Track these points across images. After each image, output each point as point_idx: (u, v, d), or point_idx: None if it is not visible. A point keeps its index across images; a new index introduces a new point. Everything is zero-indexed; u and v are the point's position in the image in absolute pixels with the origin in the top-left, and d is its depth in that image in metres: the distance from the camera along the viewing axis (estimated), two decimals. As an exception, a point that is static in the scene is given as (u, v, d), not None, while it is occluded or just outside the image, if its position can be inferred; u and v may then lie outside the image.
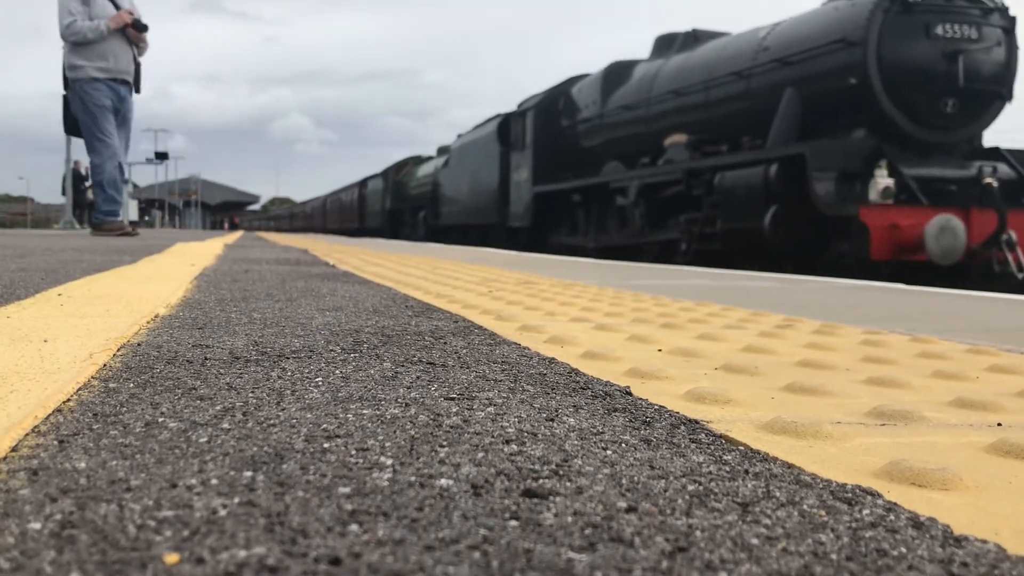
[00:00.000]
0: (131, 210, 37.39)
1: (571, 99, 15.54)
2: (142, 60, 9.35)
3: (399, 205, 28.55)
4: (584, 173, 14.44)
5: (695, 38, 12.91)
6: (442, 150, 25.92)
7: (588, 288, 3.67)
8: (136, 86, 9.35)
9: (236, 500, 0.72)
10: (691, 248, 10.61)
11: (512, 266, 5.85)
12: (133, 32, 9.01)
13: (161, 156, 46.14)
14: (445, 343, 1.77)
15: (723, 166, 10.23)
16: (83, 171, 25.21)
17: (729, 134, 10.97)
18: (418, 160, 28.81)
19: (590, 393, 1.26)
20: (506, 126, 17.41)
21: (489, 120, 19.04)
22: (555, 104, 15.87)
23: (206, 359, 1.48)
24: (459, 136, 21.89)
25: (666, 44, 13.56)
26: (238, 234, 20.07)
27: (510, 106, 18.37)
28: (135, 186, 50.62)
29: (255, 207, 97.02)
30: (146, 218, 47.41)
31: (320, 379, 1.31)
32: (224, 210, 77.73)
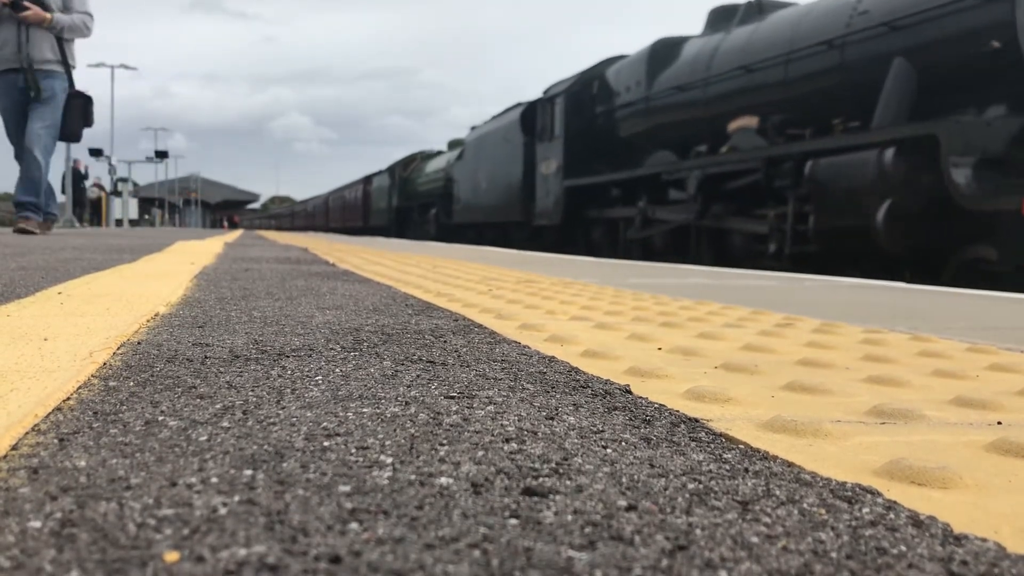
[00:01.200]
0: (131, 208, 37.38)
1: (607, 83, 13.92)
2: (67, 37, 8.35)
3: (406, 203, 27.19)
4: (622, 165, 12.94)
5: (759, 9, 11.04)
6: (454, 144, 24.65)
7: (588, 287, 3.67)
8: (67, 71, 8.39)
9: (236, 498, 0.72)
10: (785, 249, 8.77)
11: (512, 265, 5.85)
12: (21, 13, 7.99)
13: (161, 155, 46.14)
14: (445, 341, 1.77)
15: (817, 152, 8.42)
16: (82, 170, 25.16)
17: (816, 115, 9.21)
18: (426, 155, 27.40)
19: (590, 391, 1.26)
20: (531, 114, 15.82)
21: (509, 109, 17.52)
22: (588, 89, 14.24)
23: (206, 357, 1.48)
24: (472, 129, 20.42)
25: (724, 16, 11.71)
26: (238, 233, 20.07)
27: (510, 104, 17.64)
28: (135, 184, 50.59)
29: (255, 206, 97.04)
30: (146, 216, 47.39)
31: (320, 377, 1.31)
32: (224, 209, 77.72)
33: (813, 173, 8.36)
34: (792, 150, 8.98)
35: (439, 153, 26.07)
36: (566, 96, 14.36)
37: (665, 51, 12.44)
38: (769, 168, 9.23)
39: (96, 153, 34.85)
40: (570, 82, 14.53)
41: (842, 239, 8.13)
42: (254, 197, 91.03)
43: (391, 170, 29.29)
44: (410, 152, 29.38)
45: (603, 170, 13.38)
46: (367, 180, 33.93)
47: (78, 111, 8.82)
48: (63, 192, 23.74)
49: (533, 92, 18.23)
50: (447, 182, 21.99)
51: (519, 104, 16.87)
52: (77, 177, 24.51)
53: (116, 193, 34.47)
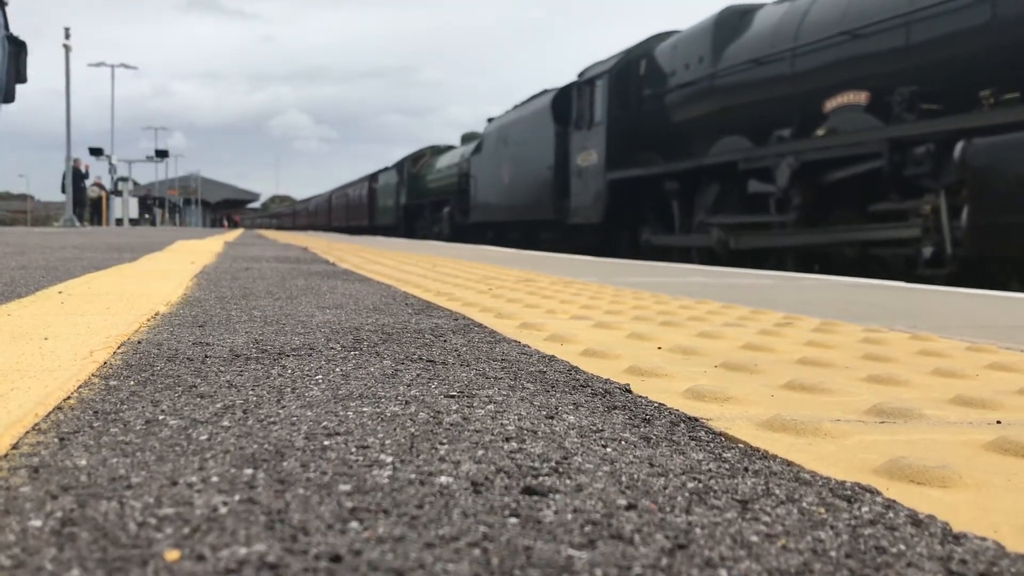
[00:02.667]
0: (131, 208, 37.36)
1: (656, 62, 11.94)
2: None
3: (416, 201, 25.26)
4: (675, 155, 11.15)
5: None
6: (468, 137, 23.00)
7: (588, 286, 3.67)
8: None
9: (236, 497, 0.72)
10: (947, 249, 6.86)
11: (512, 264, 5.85)
12: None
13: (161, 154, 46.08)
14: (445, 341, 1.77)
15: (971, 130, 6.66)
16: (83, 169, 25.11)
17: (955, 86, 7.35)
18: (437, 150, 25.65)
19: (590, 391, 1.26)
20: (563, 100, 13.99)
21: (536, 96, 15.73)
22: (634, 69, 12.26)
23: (206, 357, 1.48)
24: (489, 122, 18.61)
25: None
26: (238, 232, 20.06)
27: (509, 104, 16.67)
28: (135, 184, 50.56)
29: (255, 205, 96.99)
30: (146, 216, 47.37)
31: (320, 377, 1.31)
32: (224, 208, 77.68)
33: (969, 157, 6.53)
34: (939, 128, 6.97)
35: (450, 148, 24.51)
36: (609, 78, 12.35)
37: (734, 20, 10.47)
38: (895, 152, 7.34)
39: (96, 152, 34.83)
40: (613, 62, 12.53)
41: (1009, 239, 6.44)
42: (254, 196, 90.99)
43: (399, 166, 27.47)
44: (406, 151, 27.86)
45: (654, 160, 11.49)
46: (373, 177, 32.30)
47: (9, 60, 7.47)
48: (63, 191, 23.73)
49: (533, 91, 16.99)
50: (462, 178, 20.20)
51: (546, 91, 15.17)
52: (77, 176, 24.45)
53: (116, 192, 34.48)
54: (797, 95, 9.23)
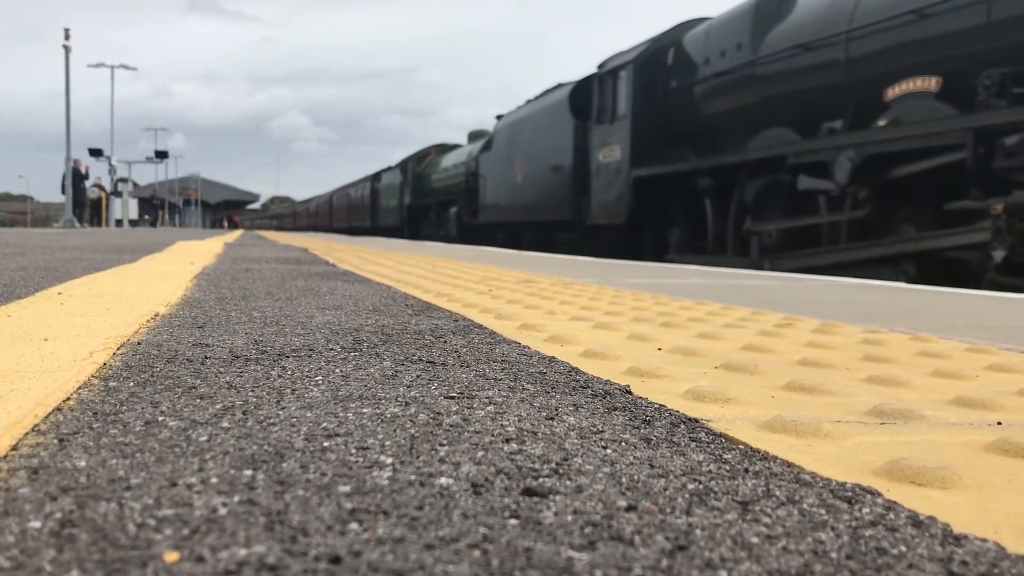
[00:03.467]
0: (131, 209, 37.36)
1: (684, 51, 11.03)
2: None
3: (421, 201, 24.25)
4: (708, 149, 10.38)
5: None
6: (475, 135, 22.39)
7: (588, 287, 3.67)
8: None
9: (236, 499, 0.72)
10: None
11: (511, 265, 5.85)
12: None
13: (161, 155, 46.09)
14: (445, 342, 1.77)
15: None
16: (83, 170, 25.07)
17: None
18: (443, 148, 24.78)
19: (590, 392, 1.26)
20: (582, 93, 13.05)
21: (551, 90, 14.77)
22: (661, 58, 11.33)
23: (206, 358, 1.48)
24: (497, 119, 17.62)
25: None
26: (238, 233, 20.05)
27: (509, 105, 16.16)
28: (135, 184, 50.57)
29: (255, 206, 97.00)
30: (146, 216, 47.36)
31: (320, 378, 1.31)
32: (224, 209, 77.67)
33: None
34: None
35: (456, 147, 23.76)
36: (634, 68, 11.36)
37: (774, 4, 9.54)
38: (980, 143, 6.50)
39: (96, 153, 34.84)
40: (638, 51, 11.55)
41: None
42: (254, 197, 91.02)
43: (403, 165, 26.43)
44: (406, 152, 27.19)
45: (682, 156, 10.69)
46: (375, 177, 31.33)
47: None
48: (63, 192, 23.70)
49: (532, 92, 16.32)
50: (470, 177, 19.23)
51: (561, 84, 14.34)
52: (77, 177, 24.41)
53: (116, 193, 34.47)
54: (852, 83, 8.22)
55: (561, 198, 13.58)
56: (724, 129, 10.22)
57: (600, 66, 12.58)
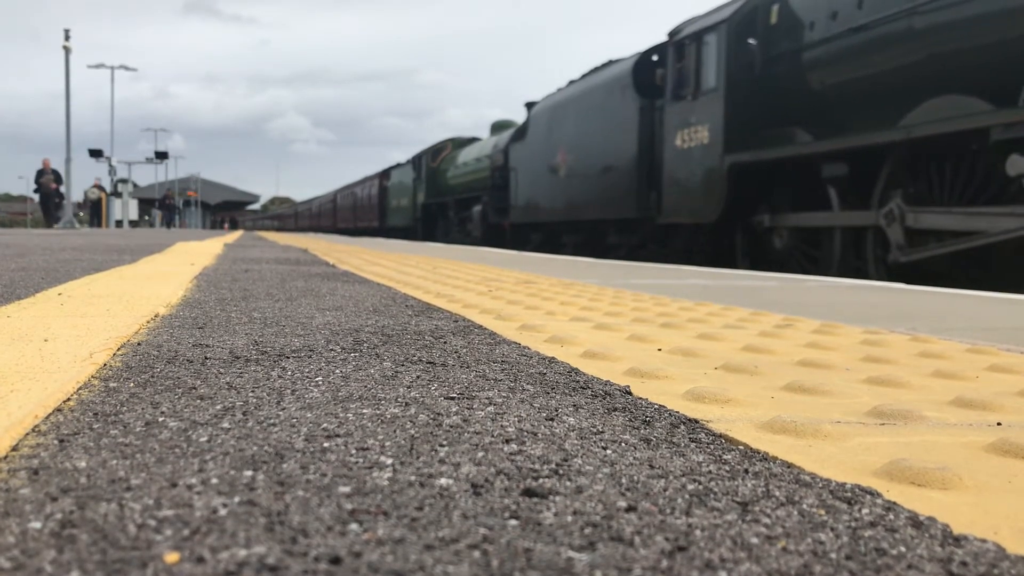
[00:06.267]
0: (131, 209, 37.36)
1: (792, 7, 8.70)
2: None
3: (437, 199, 22.16)
4: (830, 127, 7.99)
5: None
6: (498, 126, 19.89)
7: (588, 287, 3.67)
8: None
9: (236, 499, 0.72)
10: None
11: (511, 265, 5.85)
12: None
13: (161, 156, 46.09)
14: (445, 342, 1.77)
15: None
16: (46, 167, 23.96)
17: None
18: (459, 142, 22.52)
19: (590, 392, 1.26)
20: (647, 67, 10.88)
21: (602, 67, 12.58)
22: (762, 17, 9.10)
23: (206, 358, 1.48)
24: (528, 107, 15.66)
25: None
26: (238, 234, 20.04)
27: (509, 108, 14.17)
28: (135, 185, 50.57)
29: (255, 206, 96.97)
30: (146, 217, 47.34)
31: (320, 378, 1.31)
32: (224, 209, 77.62)
33: None
34: None
35: (474, 140, 21.70)
36: (727, 30, 9.14)
37: None
38: None
39: (96, 154, 34.82)
40: (732, 8, 9.31)
41: None
42: (254, 198, 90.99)
43: (415, 161, 24.18)
44: (406, 153, 26.05)
45: (789, 138, 8.48)
46: (384, 174, 29.06)
47: None
48: (35, 192, 23.15)
49: (532, 94, 14.68)
50: (496, 171, 16.98)
51: (612, 61, 12.29)
52: (40, 175, 23.12)
53: (116, 194, 34.46)
54: None
55: (622, 192, 11.25)
56: (859, 101, 7.76)
57: (672, 32, 10.28)
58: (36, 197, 23.28)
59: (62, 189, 23.59)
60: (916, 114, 6.95)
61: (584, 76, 13.27)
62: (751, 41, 9.04)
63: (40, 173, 23.23)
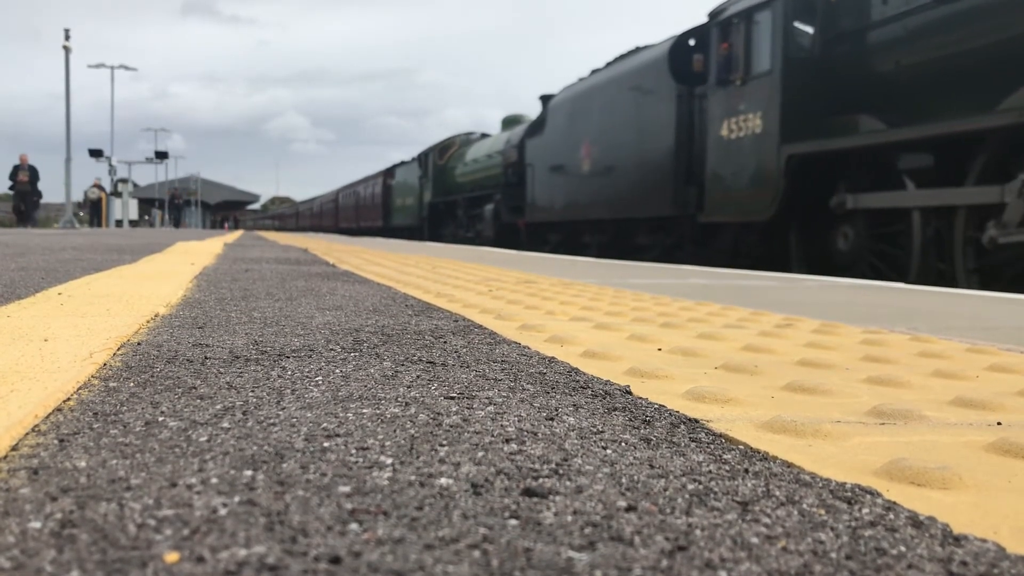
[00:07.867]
0: (131, 209, 37.37)
1: None
2: None
3: (445, 197, 21.17)
4: (899, 113, 7.01)
5: None
6: (509, 121, 19.00)
7: (588, 287, 3.67)
8: None
9: (236, 499, 0.72)
10: None
11: (511, 265, 5.85)
12: None
13: (161, 155, 46.08)
14: (445, 342, 1.77)
15: None
16: (23, 162, 23.48)
17: None
18: (468, 139, 21.67)
19: (590, 392, 1.26)
20: (684, 52, 10.00)
21: (630, 53, 11.64)
22: None
23: (206, 358, 1.48)
24: (544, 101, 14.81)
25: None
26: (238, 233, 20.04)
27: (509, 108, 13.45)
28: (135, 185, 50.57)
29: (255, 206, 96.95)
30: (146, 217, 47.34)
31: (320, 378, 1.31)
32: (224, 209, 77.55)
33: None
34: None
35: (484, 136, 20.82)
36: (784, 7, 8.15)
37: None
38: None
39: (96, 154, 34.81)
40: None
41: None
42: (254, 198, 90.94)
43: (422, 158, 23.20)
44: (406, 153, 25.52)
45: (855, 126, 7.46)
46: (388, 172, 28.11)
47: None
48: (10, 190, 22.74)
49: (532, 94, 14.00)
50: (509, 168, 15.99)
51: (640, 48, 11.32)
52: (16, 170, 22.34)
53: (116, 194, 34.46)
54: None
55: (655, 188, 10.24)
56: (946, 82, 6.82)
57: (714, 12, 9.36)
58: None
59: (39, 187, 22.80)
60: (1016, 97, 6.05)
61: (610, 64, 12.23)
62: (809, 19, 8.13)
63: (16, 169, 21.88)
